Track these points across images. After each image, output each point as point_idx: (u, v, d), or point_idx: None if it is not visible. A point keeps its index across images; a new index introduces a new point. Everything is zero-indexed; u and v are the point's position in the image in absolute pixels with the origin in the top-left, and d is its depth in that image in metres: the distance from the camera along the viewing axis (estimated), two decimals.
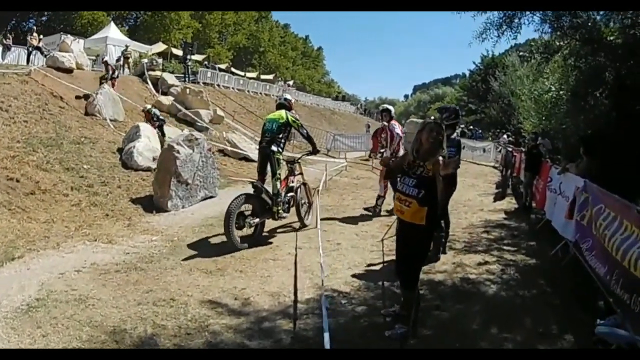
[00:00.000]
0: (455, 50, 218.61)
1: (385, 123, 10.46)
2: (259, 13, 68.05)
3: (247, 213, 7.55)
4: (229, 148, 16.95)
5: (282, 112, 8.12)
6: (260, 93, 38.69)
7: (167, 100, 20.49)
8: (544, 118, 15.16)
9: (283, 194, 8.10)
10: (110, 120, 16.22)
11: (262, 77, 50.14)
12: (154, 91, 21.95)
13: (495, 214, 11.19)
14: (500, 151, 22.70)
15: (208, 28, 56.11)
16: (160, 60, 25.06)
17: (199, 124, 19.47)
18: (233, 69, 46.99)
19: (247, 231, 7.64)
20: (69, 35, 22.21)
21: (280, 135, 7.97)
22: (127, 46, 27.68)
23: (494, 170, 21.57)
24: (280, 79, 50.92)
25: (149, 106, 16.95)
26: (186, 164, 10.37)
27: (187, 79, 29.02)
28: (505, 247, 8.05)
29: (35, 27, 22.52)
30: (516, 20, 7.62)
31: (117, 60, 27.19)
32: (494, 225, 9.83)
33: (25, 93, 15.17)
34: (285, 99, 8.56)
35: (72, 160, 11.77)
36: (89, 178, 11.01)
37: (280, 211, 7.96)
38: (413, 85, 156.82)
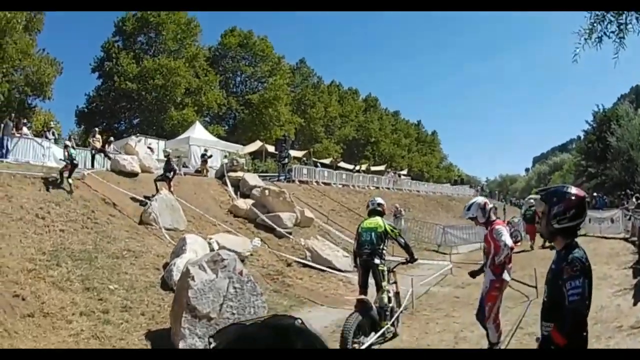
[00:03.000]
0: (569, 113, 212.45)
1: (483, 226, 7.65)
2: (365, 103, 67.94)
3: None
4: (307, 260, 14.92)
5: (379, 220, 8.10)
6: (367, 187, 37.16)
7: (245, 204, 18.82)
8: None
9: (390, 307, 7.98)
10: (168, 229, 14.70)
11: (373, 168, 48.54)
12: (232, 194, 20.41)
13: None
14: (630, 219, 20.64)
15: (312, 122, 55.78)
16: (242, 160, 23.61)
17: (279, 229, 16.82)
18: (343, 163, 46.33)
19: None
20: (133, 137, 21.48)
21: (381, 246, 7.93)
22: (205, 150, 26.73)
23: (626, 246, 17.49)
24: (389, 170, 48.28)
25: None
26: (205, 293, 8.53)
27: (281, 178, 28.26)
28: None
29: (97, 129, 22.23)
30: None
31: (204, 162, 26.16)
32: None
33: (71, 199, 14.36)
34: (379, 204, 8.47)
35: (99, 277, 10.64)
36: (109, 301, 9.75)
37: (390, 327, 7.88)
38: (532, 157, 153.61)
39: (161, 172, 17.65)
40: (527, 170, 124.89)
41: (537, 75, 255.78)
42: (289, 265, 14.44)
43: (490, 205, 7.29)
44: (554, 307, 3.30)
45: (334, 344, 8.03)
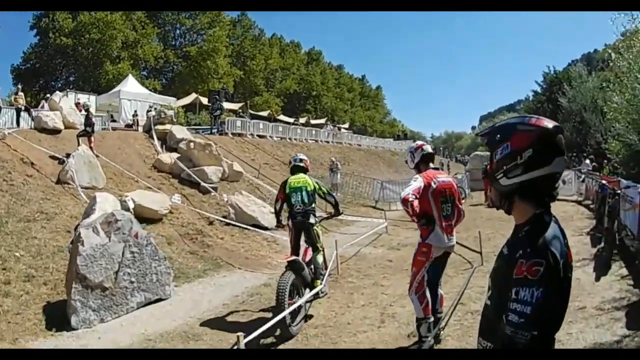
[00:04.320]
0: (517, 75, 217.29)
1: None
2: (308, 57, 67.12)
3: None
4: (229, 218, 14.59)
5: (307, 178, 7.85)
6: (305, 140, 36.84)
7: (169, 158, 18.28)
8: None
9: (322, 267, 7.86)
10: (86, 187, 14.18)
11: (313, 122, 48.30)
12: (158, 147, 19.92)
13: (606, 314, 6.32)
14: (583, 180, 20.40)
15: (252, 75, 54.91)
16: (170, 112, 22.77)
17: (204, 184, 16.62)
18: (283, 117, 45.67)
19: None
20: (58, 92, 20.34)
21: (313, 205, 7.73)
22: (151, 106, 25.97)
23: (580, 209, 17.13)
24: (328, 123, 48.16)
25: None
26: (96, 260, 7.84)
27: (213, 130, 28.09)
28: None
29: (19, 87, 21.04)
30: None
31: (134, 115, 25.55)
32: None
33: None
34: (301, 160, 8.14)
35: (6, 244, 10.10)
36: (13, 270, 9.12)
37: (324, 287, 7.74)
38: (479, 115, 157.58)
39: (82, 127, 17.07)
40: (473, 128, 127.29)
41: (490, 34, 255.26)
42: (210, 223, 14.09)
43: (425, 151, 6.00)
44: (498, 318, 1.87)
45: (239, 316, 7.86)
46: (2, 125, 18.24)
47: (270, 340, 6.58)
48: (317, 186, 7.83)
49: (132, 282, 8.28)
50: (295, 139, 35.81)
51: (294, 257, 7.37)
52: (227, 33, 53.22)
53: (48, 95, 23.01)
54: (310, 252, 7.85)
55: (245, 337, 4.75)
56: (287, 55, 64.16)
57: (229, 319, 7.88)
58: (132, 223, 8.61)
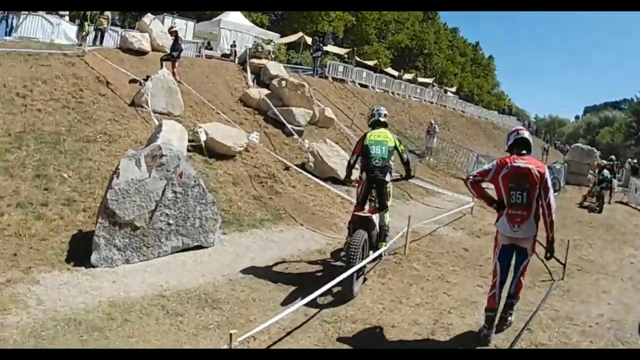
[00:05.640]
0: (630, 72, 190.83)
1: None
2: (424, 13, 63.37)
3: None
4: (308, 165, 13.02)
5: (388, 133, 7.41)
6: (409, 96, 34.05)
7: (258, 93, 16.91)
8: None
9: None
10: (160, 113, 13.14)
11: (420, 80, 45.47)
12: (249, 81, 18.54)
13: None
14: None
15: (364, 23, 52.32)
16: (269, 47, 21.35)
17: (289, 126, 15.07)
18: (391, 70, 44.19)
19: None
20: (149, 14, 19.25)
21: (390, 162, 7.35)
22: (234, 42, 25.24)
23: None
24: (434, 84, 44.77)
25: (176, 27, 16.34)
26: (130, 196, 6.95)
27: (314, 72, 26.64)
28: None
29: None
30: None
31: (232, 46, 24.73)
32: None
33: (61, 77, 12.84)
34: (385, 115, 7.68)
35: (57, 164, 9.35)
36: (55, 191, 8.49)
37: (386, 249, 7.43)
38: (584, 106, 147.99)
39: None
40: (577, 117, 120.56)
41: (606, 29, 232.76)
42: (286, 168, 12.63)
43: (519, 136, 5.46)
44: None
45: (274, 286, 6.64)
46: (83, 43, 17.62)
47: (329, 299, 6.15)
48: (397, 143, 7.41)
49: (169, 224, 7.31)
50: (398, 94, 33.35)
51: (369, 214, 7.01)
52: None
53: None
54: (376, 211, 7.31)
55: (238, 336, 4.19)
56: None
57: (262, 286, 6.64)
58: (180, 160, 7.50)
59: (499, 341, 5.17)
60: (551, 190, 5.24)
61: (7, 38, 16.13)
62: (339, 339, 5.21)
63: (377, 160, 7.06)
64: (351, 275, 5.94)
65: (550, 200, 5.15)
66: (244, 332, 4.38)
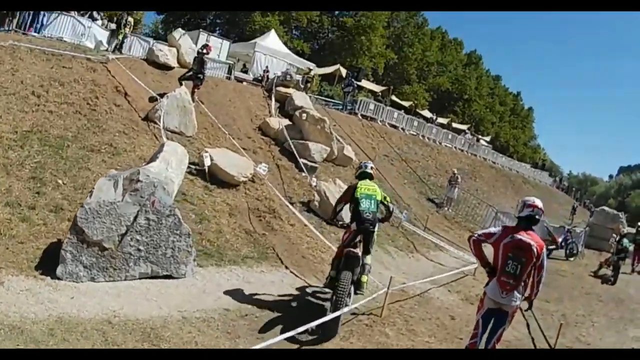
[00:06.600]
0: None
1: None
2: (468, 58, 62.98)
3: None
4: (313, 204, 12.79)
5: (376, 187, 8.01)
6: (440, 142, 33.62)
7: (278, 123, 16.73)
8: None
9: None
10: (172, 132, 13.06)
11: (455, 125, 44.75)
12: (272, 109, 18.37)
13: None
14: None
15: (406, 62, 52.27)
16: (298, 77, 20.96)
17: (302, 161, 15.00)
18: (427, 112, 44.26)
19: None
20: (179, 29, 19.53)
21: (378, 214, 7.96)
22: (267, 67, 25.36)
23: None
24: (468, 131, 43.93)
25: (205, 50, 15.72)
26: (99, 217, 6.99)
27: (344, 107, 26.59)
28: None
29: (129, 16, 19.07)
30: None
31: (265, 71, 25.02)
32: None
33: (80, 81, 12.89)
34: (371, 168, 8.35)
35: (55, 169, 9.40)
36: (46, 196, 8.59)
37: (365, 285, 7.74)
38: (619, 165, 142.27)
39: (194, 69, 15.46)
40: (610, 176, 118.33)
41: None
42: (291, 204, 12.24)
43: (532, 213, 5.80)
44: None
45: (222, 335, 6.35)
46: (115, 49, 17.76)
47: None
48: (384, 196, 8.05)
49: (139, 250, 7.31)
50: (428, 138, 32.65)
51: (358, 252, 7.48)
52: (390, 13, 50.53)
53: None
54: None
55: None
56: (447, 52, 60.58)
57: (210, 330, 6.45)
58: (155, 187, 7.44)
59: None
60: (544, 270, 5.70)
61: (36, 35, 16.28)
62: None
63: (367, 214, 7.59)
64: (338, 317, 6.50)
65: (541, 277, 5.69)
66: None
